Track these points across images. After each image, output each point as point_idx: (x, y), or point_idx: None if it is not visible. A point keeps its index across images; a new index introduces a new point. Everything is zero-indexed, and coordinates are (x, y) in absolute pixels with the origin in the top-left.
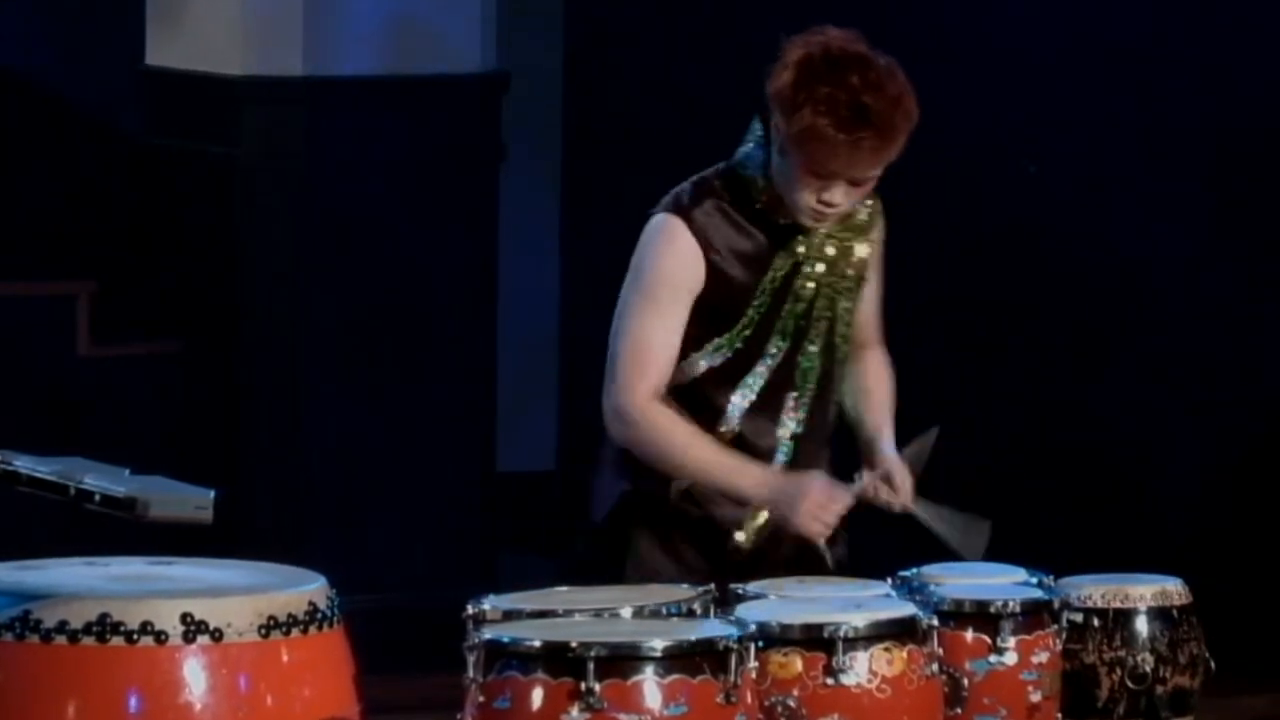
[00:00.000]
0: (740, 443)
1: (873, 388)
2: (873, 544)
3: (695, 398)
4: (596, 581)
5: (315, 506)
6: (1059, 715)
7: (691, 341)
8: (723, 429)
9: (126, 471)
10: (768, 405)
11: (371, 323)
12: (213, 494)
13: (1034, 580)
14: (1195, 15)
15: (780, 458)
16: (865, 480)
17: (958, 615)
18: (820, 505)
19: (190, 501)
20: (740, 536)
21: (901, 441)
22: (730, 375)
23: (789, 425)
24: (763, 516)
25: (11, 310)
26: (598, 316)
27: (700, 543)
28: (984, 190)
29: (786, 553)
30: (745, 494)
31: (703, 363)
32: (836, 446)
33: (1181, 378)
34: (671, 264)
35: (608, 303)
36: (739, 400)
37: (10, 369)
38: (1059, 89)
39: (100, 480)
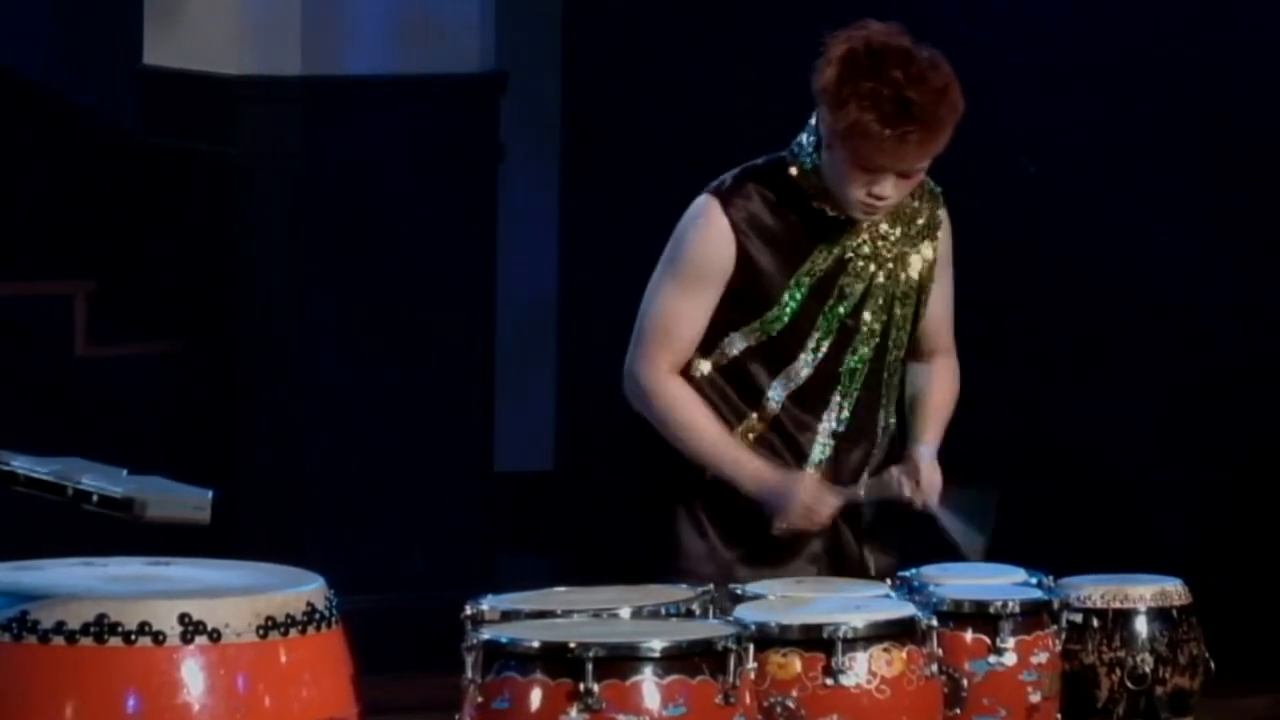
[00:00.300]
0: (778, 428)
1: (930, 393)
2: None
3: (735, 376)
4: (628, 568)
5: (313, 507)
6: (1058, 716)
7: (727, 323)
8: (761, 411)
9: (124, 472)
10: (811, 400)
11: (369, 322)
12: (210, 494)
13: (1033, 581)
14: (1195, 15)
15: (817, 452)
16: (893, 473)
17: (957, 616)
18: (808, 507)
19: (188, 502)
20: (776, 526)
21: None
22: (771, 360)
23: (829, 423)
24: None
25: (9, 310)
26: (596, 316)
27: (737, 525)
28: (984, 190)
29: (820, 549)
30: (740, 485)
31: (737, 345)
32: (899, 449)
33: (1182, 378)
34: (703, 246)
35: (607, 302)
36: (779, 388)
37: (8, 369)
38: (1059, 88)
39: (98, 480)
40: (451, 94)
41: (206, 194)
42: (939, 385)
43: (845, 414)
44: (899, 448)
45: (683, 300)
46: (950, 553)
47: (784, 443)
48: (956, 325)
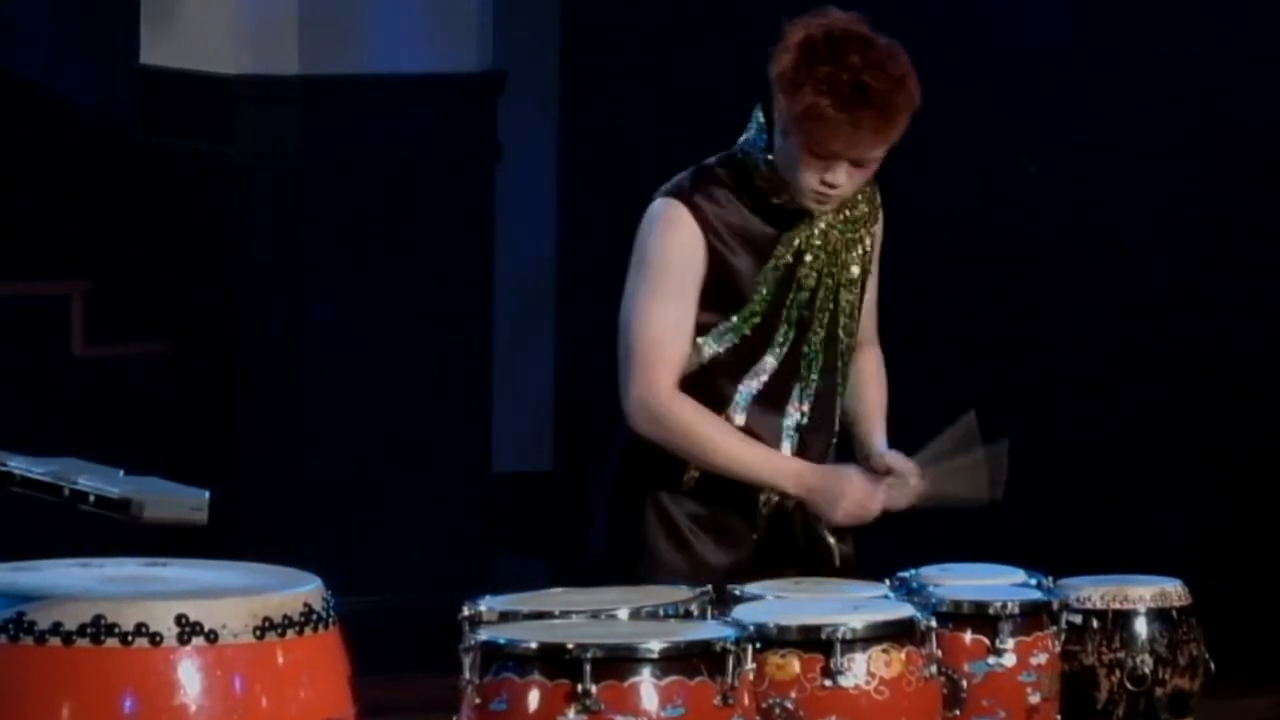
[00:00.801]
0: (745, 433)
1: (866, 388)
2: (871, 544)
3: (701, 385)
4: (606, 578)
5: (310, 507)
6: (1058, 717)
7: (698, 328)
8: (727, 417)
9: (121, 472)
10: (773, 395)
11: (367, 322)
12: (207, 495)
13: (1033, 581)
14: (1196, 13)
15: (786, 448)
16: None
17: (956, 616)
18: (860, 503)
19: (185, 502)
20: (757, 526)
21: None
22: (739, 364)
23: (793, 416)
24: (775, 499)
25: (5, 310)
26: (595, 317)
27: (712, 535)
28: (984, 189)
29: (798, 545)
30: (783, 489)
31: (709, 350)
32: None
33: (1181, 378)
34: (676, 249)
35: (604, 303)
36: (744, 390)
37: (4, 369)
38: (1059, 87)
39: (95, 481)
40: (449, 94)
41: (204, 194)
42: (873, 380)
43: (806, 406)
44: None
45: (666, 310)
46: (950, 554)
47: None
48: (955, 325)
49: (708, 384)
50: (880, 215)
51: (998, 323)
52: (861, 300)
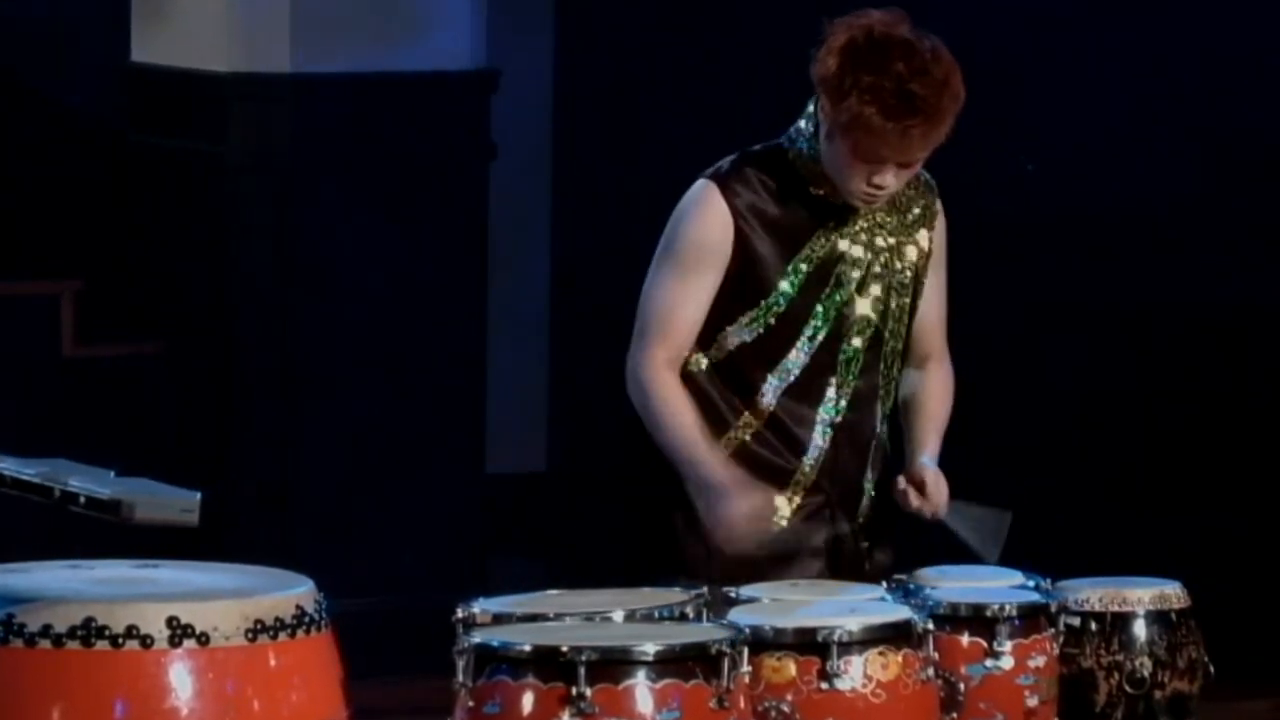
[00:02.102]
0: (775, 424)
1: (926, 401)
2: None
3: (731, 372)
4: (626, 567)
5: (303, 509)
6: None
7: (724, 314)
8: (755, 409)
9: (111, 473)
10: (807, 390)
11: (360, 323)
12: (199, 496)
13: (1031, 583)
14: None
15: (816, 443)
16: (900, 486)
17: (953, 619)
18: (733, 528)
19: (176, 504)
20: (780, 520)
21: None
22: (766, 353)
23: (828, 412)
24: (799, 498)
25: None
26: (589, 316)
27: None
28: (982, 189)
29: (822, 543)
30: (690, 479)
31: (735, 337)
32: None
33: (1181, 380)
34: (702, 230)
35: (599, 302)
36: (775, 381)
37: None
38: (1059, 85)
39: (85, 482)
40: (442, 92)
41: (195, 192)
42: (935, 393)
43: (842, 404)
44: (893, 455)
45: (682, 288)
46: (948, 555)
47: (781, 439)
48: (956, 324)
49: (735, 373)
50: (940, 219)
51: (996, 324)
52: (915, 305)
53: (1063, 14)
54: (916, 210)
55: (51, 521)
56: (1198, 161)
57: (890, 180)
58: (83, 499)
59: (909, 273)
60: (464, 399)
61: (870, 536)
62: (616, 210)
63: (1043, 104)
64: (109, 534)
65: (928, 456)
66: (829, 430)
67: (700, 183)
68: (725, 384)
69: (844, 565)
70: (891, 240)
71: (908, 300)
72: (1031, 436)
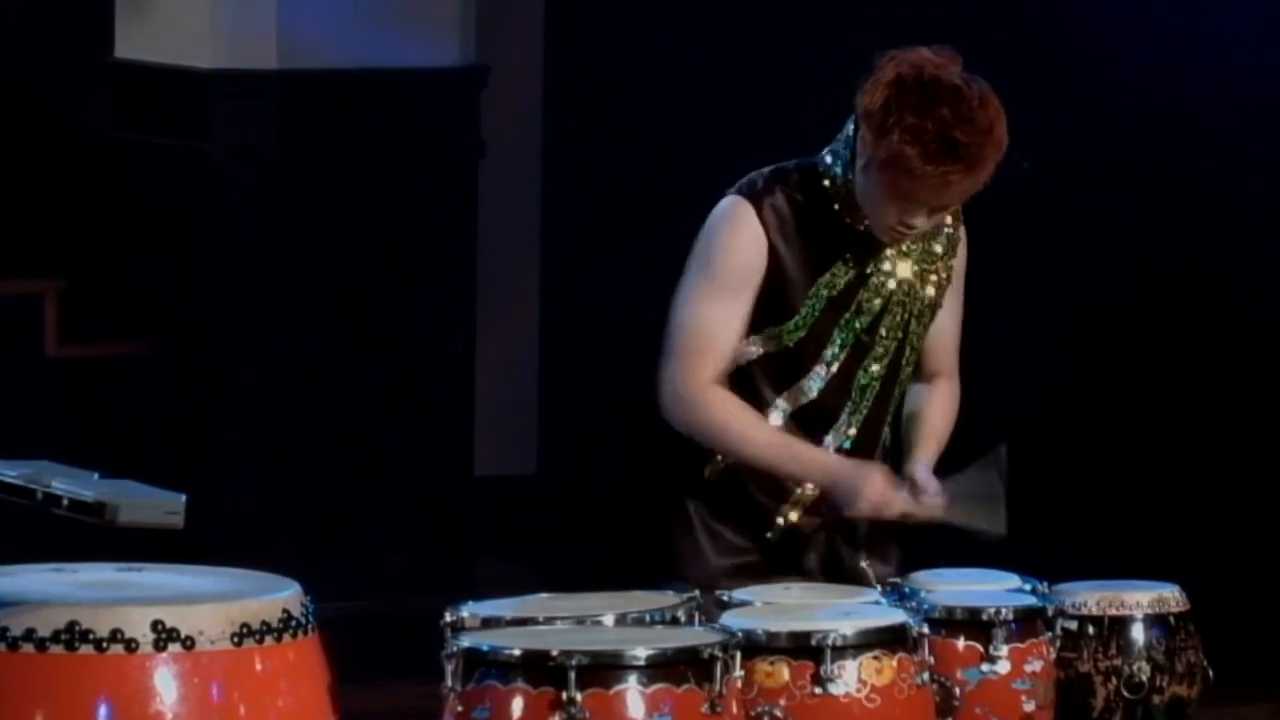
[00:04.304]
0: None
1: (930, 416)
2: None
3: (740, 385)
4: (618, 568)
5: (289, 511)
6: None
7: (747, 327)
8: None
9: (95, 475)
10: (820, 415)
11: (347, 322)
12: (184, 498)
13: (1027, 587)
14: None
15: None
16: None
17: (949, 623)
18: (879, 497)
19: (161, 506)
20: (770, 534)
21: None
22: (779, 375)
23: (837, 440)
24: (795, 515)
25: None
26: (579, 316)
27: (728, 531)
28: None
29: (818, 557)
30: (805, 478)
31: (753, 350)
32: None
33: (1180, 382)
34: (739, 249)
35: (588, 302)
36: (786, 403)
37: None
38: (1056, 85)
39: (68, 484)
40: (431, 89)
41: (180, 191)
42: (939, 409)
43: (852, 431)
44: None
45: (720, 307)
46: (944, 558)
47: None
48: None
49: (746, 387)
50: (963, 242)
51: (993, 324)
52: (928, 328)
53: (1060, 11)
54: (943, 238)
55: (34, 524)
56: (1202, 162)
57: (921, 222)
58: (66, 501)
59: (930, 300)
60: (452, 400)
61: (870, 552)
62: (607, 208)
63: (1041, 102)
64: (93, 536)
65: (919, 466)
66: (836, 455)
67: (731, 199)
68: (739, 394)
69: (844, 583)
70: (915, 269)
71: (926, 327)
72: (1028, 437)
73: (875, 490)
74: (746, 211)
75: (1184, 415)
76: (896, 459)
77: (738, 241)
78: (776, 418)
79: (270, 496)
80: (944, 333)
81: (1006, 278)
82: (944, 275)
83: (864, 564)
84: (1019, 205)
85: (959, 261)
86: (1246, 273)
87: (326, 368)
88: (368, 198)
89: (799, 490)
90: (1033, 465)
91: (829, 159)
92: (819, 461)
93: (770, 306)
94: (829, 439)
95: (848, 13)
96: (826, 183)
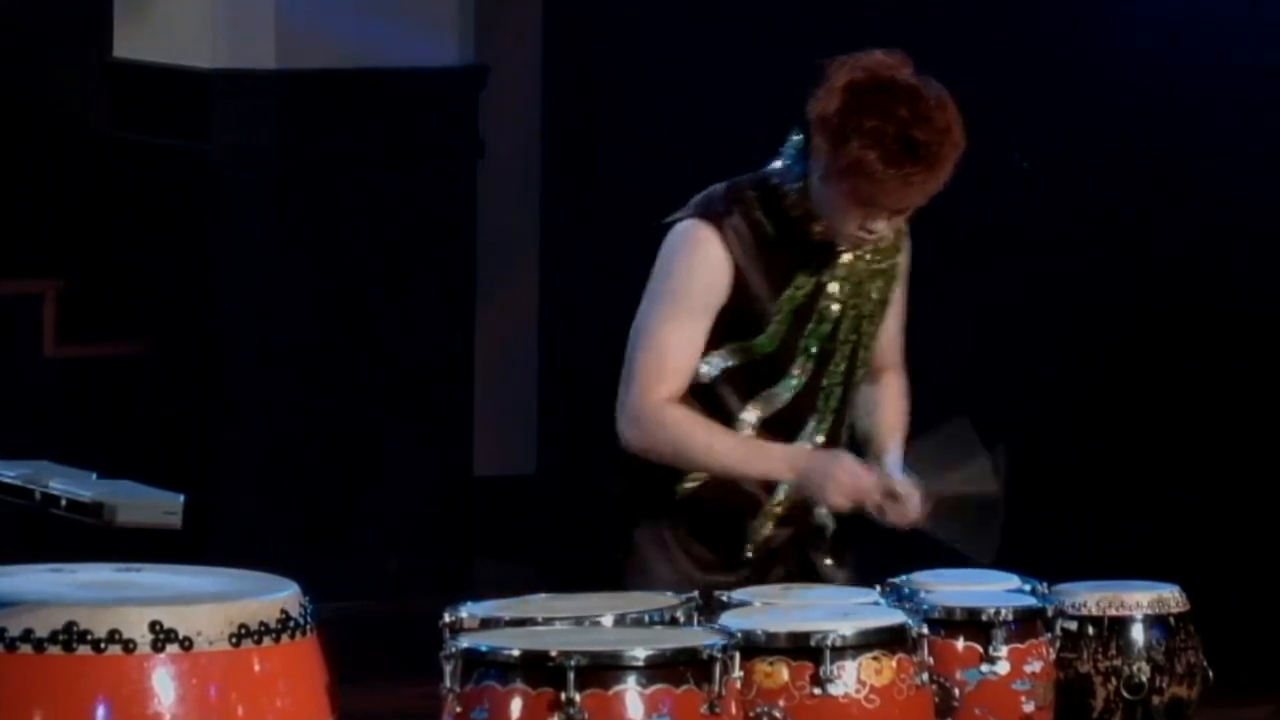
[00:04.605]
0: None
1: (885, 411)
2: (863, 550)
3: (708, 401)
4: (595, 583)
5: (288, 511)
6: None
7: (708, 345)
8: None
9: (93, 476)
10: (787, 425)
11: (346, 322)
12: (182, 499)
13: (1027, 587)
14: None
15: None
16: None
17: (948, 623)
18: (853, 484)
19: (159, 506)
20: (749, 549)
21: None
22: (747, 385)
23: (805, 447)
24: (768, 528)
25: None
26: (579, 316)
27: (704, 549)
28: (980, 187)
29: (789, 568)
30: (775, 475)
31: (717, 367)
32: None
33: (1180, 383)
34: (701, 273)
35: (588, 302)
36: (751, 414)
37: None
38: (1056, 84)
39: (67, 484)
40: (429, 89)
41: (179, 190)
42: (892, 404)
43: (819, 437)
44: None
45: (680, 331)
46: (943, 559)
47: None
48: (950, 328)
49: (712, 400)
50: (907, 242)
51: (992, 325)
52: (880, 327)
53: (1059, 11)
54: (889, 238)
55: (32, 524)
56: (1201, 162)
57: (883, 226)
58: (64, 501)
59: (880, 299)
60: (452, 400)
61: (835, 556)
62: (606, 208)
63: (1038, 101)
64: (91, 537)
65: (890, 464)
66: None
67: (691, 223)
68: (702, 409)
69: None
70: (866, 269)
71: (877, 326)
72: (1026, 437)
73: (847, 474)
74: (708, 234)
75: (1184, 415)
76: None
77: (700, 265)
78: (746, 429)
79: (269, 497)
80: (890, 328)
81: (1007, 278)
82: (893, 274)
83: (832, 572)
84: (1019, 205)
85: (904, 257)
86: (1246, 273)
87: (325, 368)
88: (367, 197)
89: (768, 503)
90: (1033, 465)
91: (781, 170)
92: (788, 456)
93: (739, 323)
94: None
95: (847, 12)
96: (782, 195)
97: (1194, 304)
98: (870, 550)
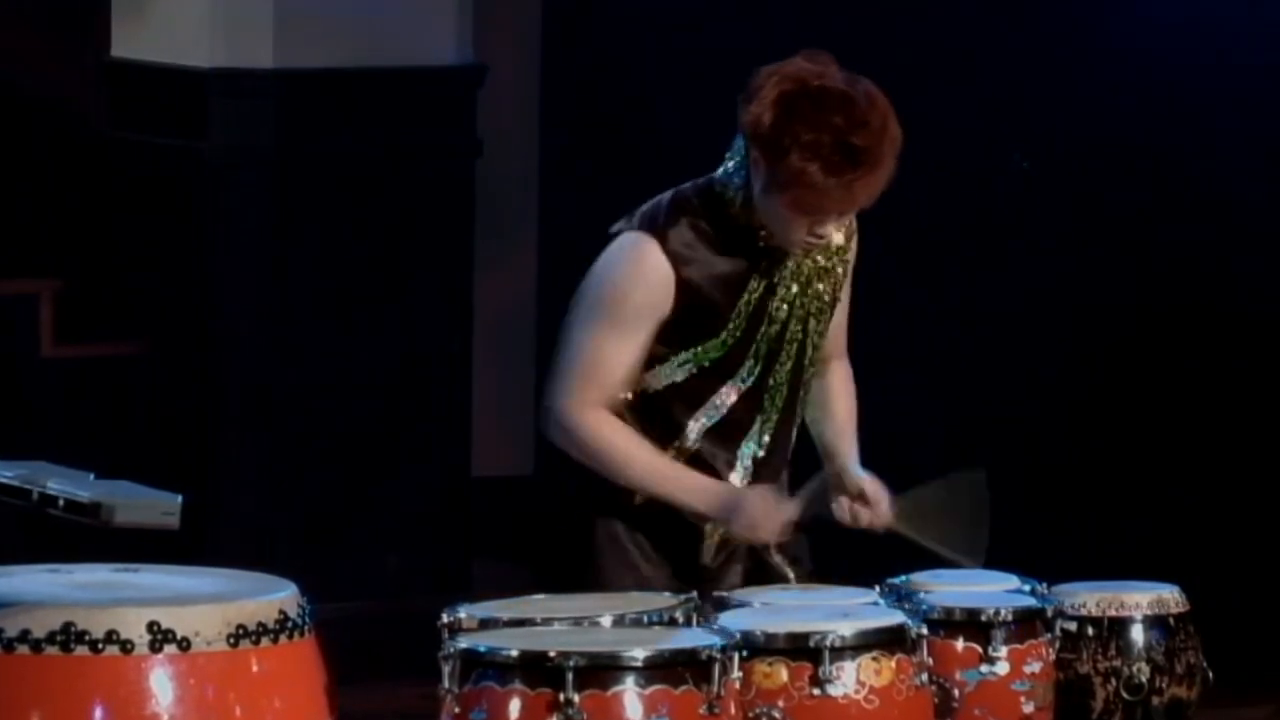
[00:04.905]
0: (696, 461)
1: (835, 404)
2: (861, 550)
3: (654, 412)
4: (559, 586)
5: (286, 511)
6: None
7: (656, 356)
8: (678, 445)
9: (91, 476)
10: (732, 427)
11: (344, 322)
12: (180, 499)
13: (1026, 588)
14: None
15: (737, 478)
16: (842, 506)
17: (948, 624)
18: (763, 515)
19: (157, 507)
20: (706, 556)
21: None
22: (695, 394)
23: (751, 447)
24: (719, 534)
25: None
26: None
27: (661, 553)
28: (978, 186)
29: (744, 570)
30: (689, 506)
31: (665, 377)
32: (796, 463)
33: (1179, 384)
34: (639, 286)
35: None
36: (700, 421)
37: None
38: (1057, 84)
39: (64, 485)
40: (427, 88)
41: (177, 190)
42: (842, 395)
43: (765, 439)
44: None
45: (613, 341)
46: (942, 559)
47: (704, 473)
48: (949, 329)
49: (659, 411)
50: (855, 233)
51: (991, 326)
52: (828, 324)
53: (1059, 11)
54: (837, 237)
55: (30, 525)
56: (1200, 163)
57: (831, 229)
58: (62, 502)
59: (827, 296)
60: (449, 400)
61: (787, 554)
62: (604, 208)
63: (1036, 100)
64: (89, 538)
65: (851, 463)
66: (750, 464)
67: (634, 236)
68: (649, 419)
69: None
70: (814, 268)
71: (826, 323)
72: (1027, 437)
73: (754, 511)
74: (650, 248)
75: (1184, 415)
76: (807, 448)
77: (641, 280)
78: (692, 438)
79: (268, 497)
80: (838, 320)
81: (1007, 277)
82: (841, 270)
83: (786, 569)
84: (1019, 205)
85: (853, 252)
86: (1246, 273)
87: (324, 367)
88: (365, 197)
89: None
90: (1033, 465)
91: (725, 177)
92: (702, 488)
93: (687, 333)
94: (744, 448)
95: (848, 12)
96: (727, 202)
97: (1194, 304)
98: (870, 551)
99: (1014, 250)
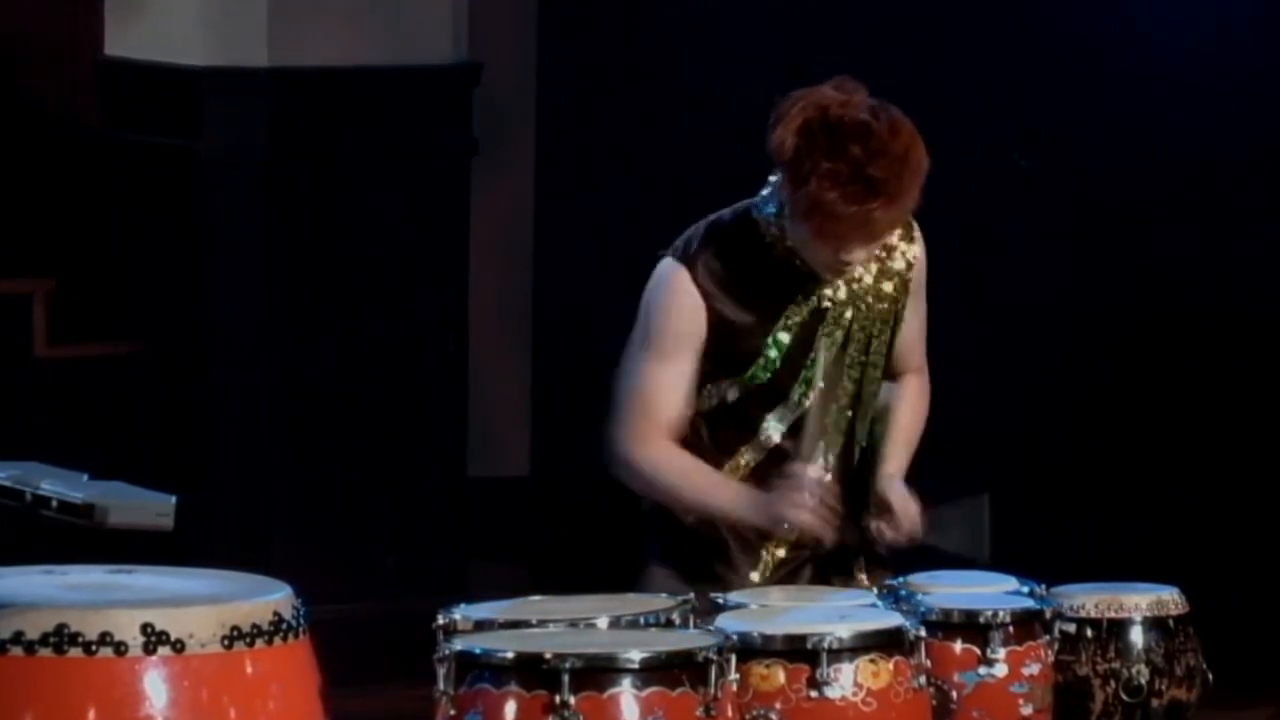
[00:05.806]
0: (776, 459)
1: (899, 414)
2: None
3: (733, 415)
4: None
5: (280, 513)
6: None
7: (709, 377)
8: (757, 444)
9: (85, 477)
10: (792, 454)
11: (339, 323)
12: (174, 500)
13: (1025, 589)
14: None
15: None
16: (869, 522)
17: (946, 626)
18: (795, 496)
19: (151, 508)
20: (754, 576)
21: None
22: (765, 399)
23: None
24: (782, 550)
25: None
26: (572, 316)
27: (712, 576)
28: (976, 186)
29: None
30: (747, 520)
31: (714, 398)
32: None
33: (1179, 385)
34: (674, 315)
35: (583, 302)
36: (777, 420)
37: None
38: (1057, 84)
39: (57, 486)
40: (422, 86)
41: (170, 189)
42: (908, 405)
43: (829, 459)
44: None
45: (659, 371)
46: (940, 561)
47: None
48: (948, 329)
49: (738, 415)
50: (920, 255)
51: (994, 323)
52: (895, 337)
53: (1060, 11)
54: (896, 255)
55: (23, 526)
56: (1200, 163)
57: (859, 254)
58: (55, 503)
59: (889, 306)
60: (445, 401)
61: (869, 570)
62: (600, 207)
63: (1035, 100)
64: (82, 539)
65: (894, 471)
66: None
67: (668, 264)
68: (726, 424)
69: None
70: (869, 280)
71: (887, 338)
72: (1027, 437)
73: (784, 494)
74: (681, 276)
75: (1184, 416)
76: (873, 460)
77: (674, 307)
78: (774, 432)
79: (261, 498)
80: (910, 333)
81: (1007, 278)
82: (904, 277)
83: (862, 578)
84: (1020, 205)
85: (918, 271)
86: (1246, 273)
87: (318, 368)
88: (359, 196)
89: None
90: (1033, 465)
91: (760, 205)
92: (743, 496)
93: (727, 359)
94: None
95: (848, 12)
96: (762, 229)
97: (1194, 305)
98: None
99: (1014, 250)
